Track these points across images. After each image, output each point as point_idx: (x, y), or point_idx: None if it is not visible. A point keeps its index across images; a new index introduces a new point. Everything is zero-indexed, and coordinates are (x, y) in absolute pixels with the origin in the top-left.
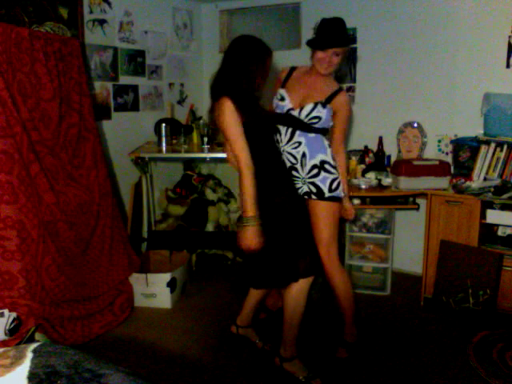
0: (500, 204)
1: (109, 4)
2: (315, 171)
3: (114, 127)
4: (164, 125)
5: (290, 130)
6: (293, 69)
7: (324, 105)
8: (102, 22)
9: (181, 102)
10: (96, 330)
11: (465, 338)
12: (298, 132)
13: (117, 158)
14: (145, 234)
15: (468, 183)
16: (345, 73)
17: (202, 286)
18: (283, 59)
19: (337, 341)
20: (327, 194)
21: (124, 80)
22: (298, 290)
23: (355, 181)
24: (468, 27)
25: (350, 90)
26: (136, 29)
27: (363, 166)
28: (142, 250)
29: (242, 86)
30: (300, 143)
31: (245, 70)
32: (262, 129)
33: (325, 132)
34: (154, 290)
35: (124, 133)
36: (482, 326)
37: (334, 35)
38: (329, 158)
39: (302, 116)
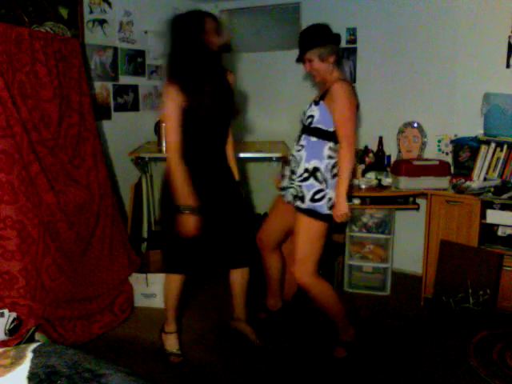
0: (500, 204)
1: (109, 4)
2: (305, 175)
3: (114, 127)
4: (164, 125)
5: (299, 135)
6: None
7: (317, 102)
8: (102, 22)
9: None
10: (96, 330)
11: (465, 337)
12: (303, 136)
13: (117, 158)
14: (145, 234)
15: (468, 183)
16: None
17: (203, 286)
18: (283, 59)
19: (334, 340)
20: (306, 203)
21: (124, 80)
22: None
23: (355, 181)
24: (468, 27)
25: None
26: (136, 29)
27: (363, 166)
28: (142, 250)
29: (179, 65)
30: (303, 146)
31: (176, 48)
32: (203, 114)
33: (329, 137)
34: (154, 290)
35: (124, 133)
36: (482, 325)
37: (299, 46)
38: (322, 167)
39: (304, 120)
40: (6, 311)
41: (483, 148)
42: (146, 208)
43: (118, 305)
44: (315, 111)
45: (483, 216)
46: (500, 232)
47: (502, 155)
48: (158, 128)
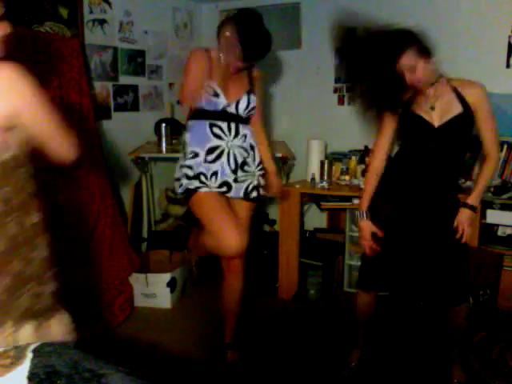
0: (500, 204)
1: (109, 4)
2: (261, 165)
3: (114, 127)
4: (164, 125)
5: (233, 124)
6: (208, 54)
7: (253, 92)
8: (102, 22)
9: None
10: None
11: (465, 337)
12: (241, 125)
13: (117, 158)
14: (145, 234)
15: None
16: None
17: (202, 287)
18: (283, 59)
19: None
20: (260, 191)
21: (124, 80)
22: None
23: (355, 181)
24: (468, 27)
25: (350, 89)
26: (136, 29)
27: (363, 166)
28: (142, 250)
29: None
30: (246, 136)
31: None
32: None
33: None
34: (154, 290)
35: (124, 133)
36: (482, 325)
37: (257, 47)
38: None
39: (241, 111)
40: None
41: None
42: (145, 208)
43: (117, 305)
44: (255, 101)
45: (483, 216)
46: (500, 232)
47: (502, 155)
48: (158, 128)
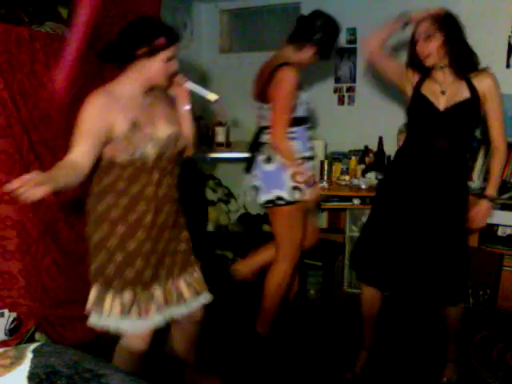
0: (500, 204)
1: None
2: None
3: None
4: None
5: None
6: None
7: None
8: None
9: None
10: (96, 330)
11: (465, 337)
12: None
13: None
14: None
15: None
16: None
17: None
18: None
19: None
20: None
21: None
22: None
23: (355, 181)
24: (468, 27)
25: (350, 89)
26: None
27: (363, 166)
28: None
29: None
30: None
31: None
32: None
33: None
34: None
35: None
36: (482, 326)
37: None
38: None
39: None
40: (6, 311)
41: (483, 148)
42: None
43: None
44: None
45: None
46: (500, 232)
47: None
48: None
